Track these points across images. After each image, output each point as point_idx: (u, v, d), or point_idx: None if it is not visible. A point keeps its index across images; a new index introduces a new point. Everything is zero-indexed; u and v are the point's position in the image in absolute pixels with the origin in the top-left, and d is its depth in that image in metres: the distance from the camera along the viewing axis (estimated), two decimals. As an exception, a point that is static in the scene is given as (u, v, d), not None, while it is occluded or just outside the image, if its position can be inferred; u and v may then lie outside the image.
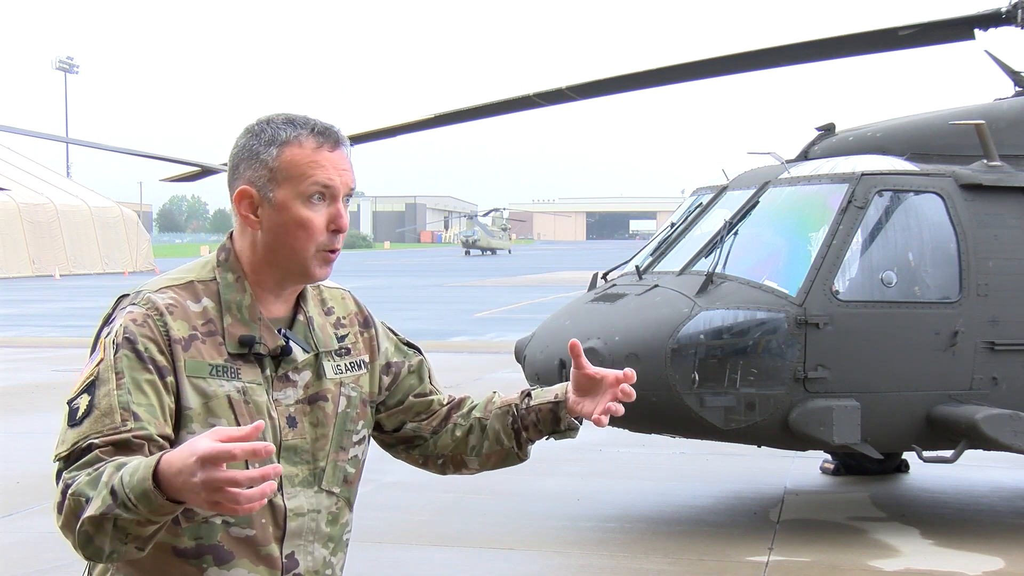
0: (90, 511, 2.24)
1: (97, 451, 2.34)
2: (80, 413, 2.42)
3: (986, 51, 9.32)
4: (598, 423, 2.73)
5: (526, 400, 2.86)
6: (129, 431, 2.38)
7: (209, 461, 2.11)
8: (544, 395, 2.85)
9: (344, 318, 2.79)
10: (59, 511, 2.33)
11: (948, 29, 8.94)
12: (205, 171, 10.04)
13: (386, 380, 2.85)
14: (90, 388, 2.44)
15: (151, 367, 2.47)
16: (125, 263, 59.07)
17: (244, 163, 2.60)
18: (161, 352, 2.49)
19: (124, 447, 2.35)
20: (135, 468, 2.22)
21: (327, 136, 2.59)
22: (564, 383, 2.84)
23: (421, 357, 2.93)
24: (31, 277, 52.41)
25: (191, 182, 10.86)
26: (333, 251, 2.61)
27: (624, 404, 2.83)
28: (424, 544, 7.99)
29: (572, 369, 2.76)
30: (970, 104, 9.23)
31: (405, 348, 2.91)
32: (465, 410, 2.91)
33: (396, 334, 2.91)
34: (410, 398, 2.88)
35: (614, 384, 2.75)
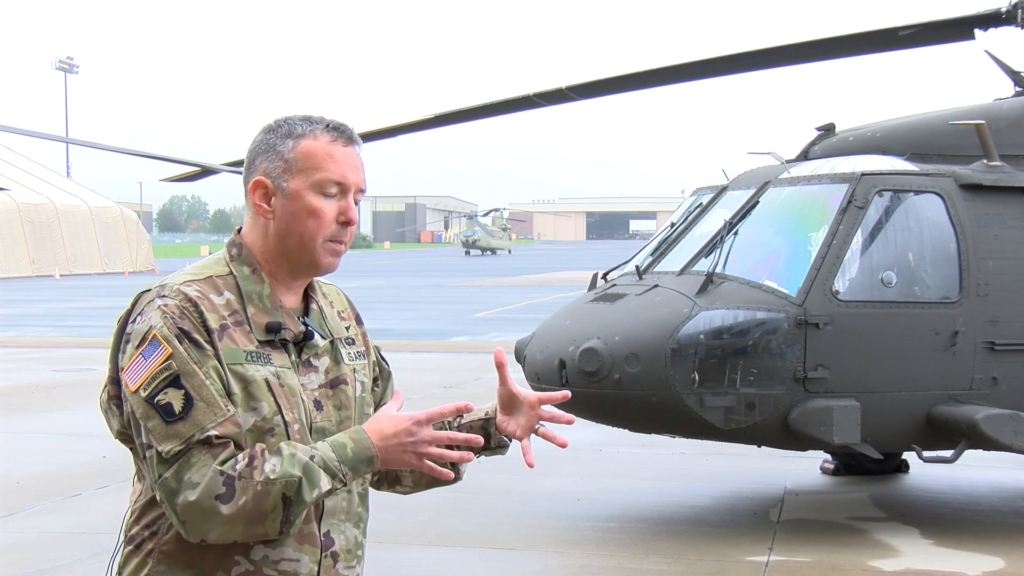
0: (325, 487, 2.51)
1: (213, 440, 2.49)
2: (179, 408, 2.50)
3: (986, 51, 9.32)
4: (526, 458, 2.78)
5: (458, 419, 2.91)
6: (233, 413, 2.53)
7: (424, 422, 2.57)
8: (476, 412, 2.91)
9: (343, 312, 2.89)
10: (228, 500, 2.45)
11: (948, 29, 8.94)
12: (205, 171, 10.04)
13: (374, 377, 2.93)
14: (176, 382, 2.51)
15: (210, 353, 2.55)
16: (125, 263, 59.08)
17: (260, 156, 2.69)
18: (207, 342, 2.56)
19: (235, 439, 2.52)
20: (340, 445, 2.55)
21: (341, 132, 2.70)
22: (494, 402, 2.89)
23: (391, 371, 3.01)
24: (31, 277, 52.41)
25: (191, 182, 10.86)
26: (342, 242, 2.69)
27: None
28: (424, 544, 7.99)
29: (497, 384, 2.81)
30: (970, 104, 9.22)
31: (381, 357, 2.99)
32: None
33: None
34: (378, 407, 2.93)
35: (535, 404, 2.80)
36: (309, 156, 2.65)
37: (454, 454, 2.62)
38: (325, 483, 2.52)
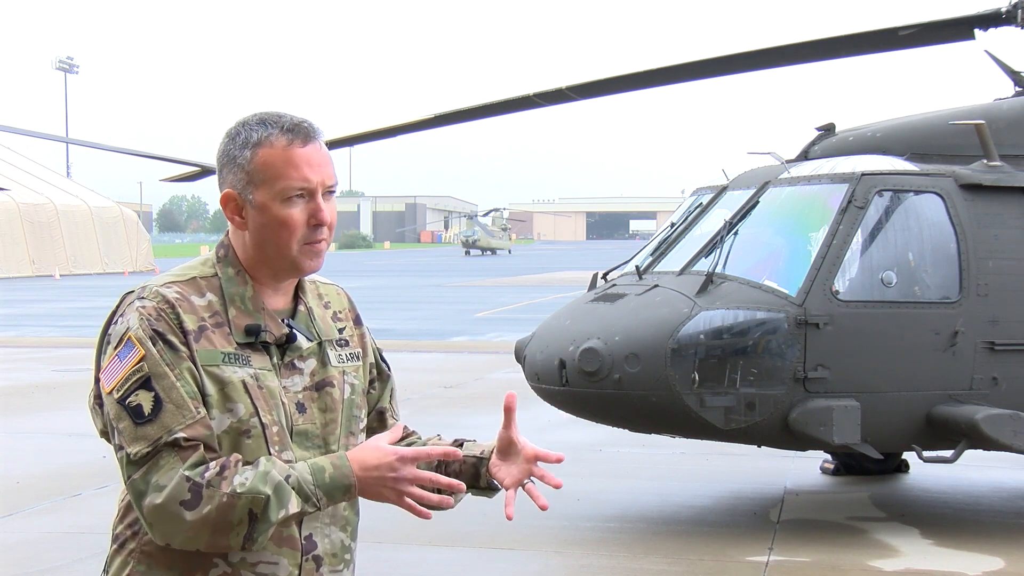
0: (293, 509, 2.49)
1: (181, 443, 2.47)
2: (148, 410, 2.50)
3: (986, 51, 9.32)
4: (507, 510, 2.73)
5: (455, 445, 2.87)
6: (203, 416, 2.52)
7: (409, 460, 2.53)
8: (473, 448, 2.86)
9: (340, 312, 2.85)
10: (193, 507, 2.44)
11: (948, 29, 8.93)
12: (205, 171, 10.04)
13: (371, 379, 2.91)
14: (147, 384, 2.51)
15: (184, 355, 2.54)
16: (125, 263, 59.07)
17: (225, 168, 2.66)
18: (182, 343, 2.56)
19: (206, 441, 2.50)
20: (319, 468, 2.52)
21: (297, 132, 2.62)
22: (492, 442, 2.84)
23: (391, 374, 2.99)
24: (31, 277, 52.39)
25: (191, 182, 10.86)
26: (319, 242, 2.65)
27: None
28: (424, 544, 7.99)
29: (500, 427, 2.77)
30: (970, 104, 9.22)
31: (382, 359, 2.97)
32: (406, 443, 2.91)
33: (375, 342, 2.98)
34: (374, 410, 2.93)
35: (531, 459, 2.75)
36: (268, 166, 2.60)
37: (434, 496, 2.58)
38: (295, 505, 2.50)
